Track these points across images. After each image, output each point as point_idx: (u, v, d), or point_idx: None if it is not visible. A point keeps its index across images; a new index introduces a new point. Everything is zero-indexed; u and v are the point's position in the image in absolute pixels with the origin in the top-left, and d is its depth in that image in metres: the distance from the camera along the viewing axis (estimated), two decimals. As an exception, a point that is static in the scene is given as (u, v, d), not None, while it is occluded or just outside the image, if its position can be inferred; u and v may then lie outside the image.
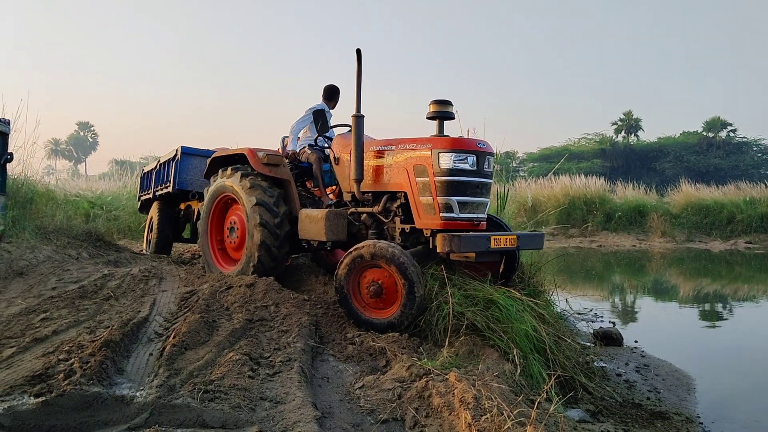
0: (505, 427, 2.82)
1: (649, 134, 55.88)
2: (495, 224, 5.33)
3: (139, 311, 4.86)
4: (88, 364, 3.69)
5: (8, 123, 6.94)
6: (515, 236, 4.85)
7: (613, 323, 7.18)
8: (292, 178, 6.12)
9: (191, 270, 6.44)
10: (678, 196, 23.02)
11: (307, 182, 6.51)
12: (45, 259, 6.47)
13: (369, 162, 5.36)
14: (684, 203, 21.93)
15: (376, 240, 4.90)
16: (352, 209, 5.60)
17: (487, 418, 3.07)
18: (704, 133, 51.35)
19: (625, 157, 50.24)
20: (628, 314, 8.60)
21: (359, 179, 5.29)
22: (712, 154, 49.00)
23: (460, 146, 4.81)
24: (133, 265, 6.66)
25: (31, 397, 3.40)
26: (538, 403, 3.42)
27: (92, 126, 76.42)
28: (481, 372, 3.74)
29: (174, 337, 4.17)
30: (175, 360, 3.90)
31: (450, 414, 3.28)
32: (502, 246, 4.71)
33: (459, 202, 4.78)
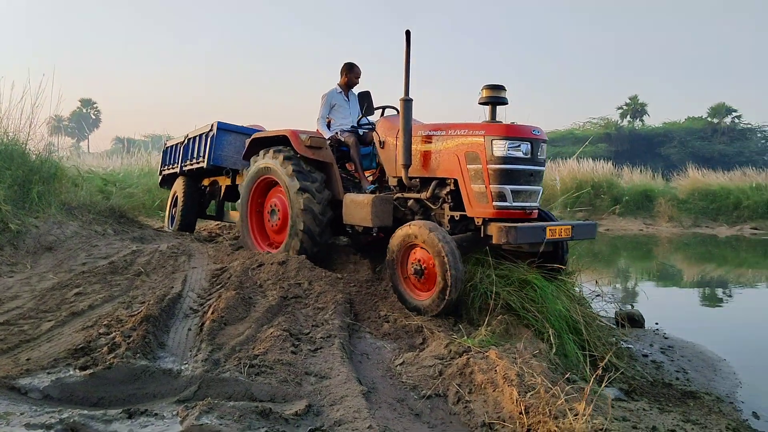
0: (558, 403, 2.87)
1: (654, 119, 55.52)
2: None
3: (172, 287, 4.91)
4: (131, 338, 3.75)
5: None
6: (570, 226, 4.76)
7: (632, 305, 7.23)
8: (334, 160, 6.02)
9: (219, 247, 6.48)
10: (685, 181, 23.01)
11: (347, 164, 6.38)
12: (72, 234, 6.51)
13: (417, 147, 5.24)
14: (691, 188, 21.90)
15: (424, 222, 4.79)
16: (398, 194, 5.50)
17: (534, 394, 3.13)
18: (709, 119, 51.22)
19: (630, 142, 50.10)
20: (642, 297, 8.65)
21: (408, 165, 5.16)
22: (717, 140, 48.86)
23: (514, 133, 4.66)
24: (158, 242, 6.70)
25: (77, 370, 3.46)
26: (574, 381, 3.49)
27: (95, 103, 75.98)
28: (520, 350, 3.79)
29: (212, 313, 4.22)
30: (216, 335, 3.96)
31: (494, 390, 3.34)
32: (557, 236, 4.64)
33: (512, 191, 4.65)
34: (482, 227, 4.74)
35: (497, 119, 4.94)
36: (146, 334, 3.84)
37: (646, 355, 5.20)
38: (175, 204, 9.24)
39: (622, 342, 5.36)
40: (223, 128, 7.96)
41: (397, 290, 4.88)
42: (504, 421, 3.06)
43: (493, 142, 4.63)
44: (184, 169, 8.80)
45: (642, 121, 54.98)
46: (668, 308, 7.82)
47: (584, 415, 2.75)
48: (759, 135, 50.42)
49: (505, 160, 4.62)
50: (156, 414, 3.04)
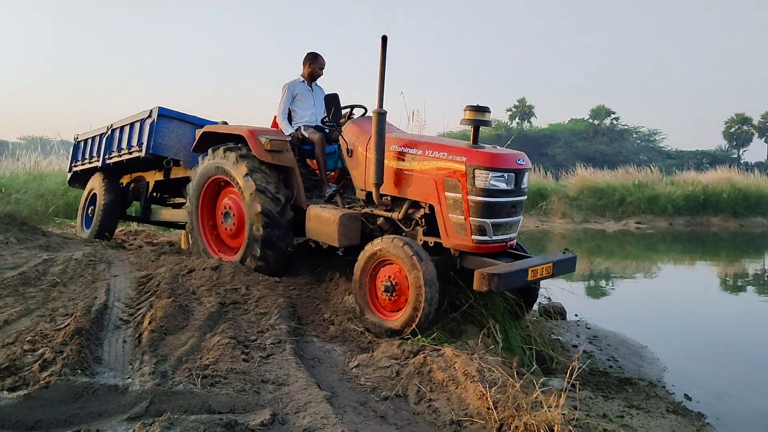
0: (534, 395, 2.92)
1: (540, 121, 58.14)
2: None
3: (96, 297, 4.59)
4: (65, 354, 3.48)
5: None
6: (551, 264, 4.41)
7: (549, 298, 7.51)
8: (296, 164, 5.52)
9: (140, 253, 6.12)
10: (574, 179, 24.23)
11: (307, 160, 5.92)
12: (-30, 244, 5.94)
13: (389, 163, 4.74)
14: (580, 186, 23.07)
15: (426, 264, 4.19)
16: (366, 210, 5.06)
17: (499, 389, 3.17)
18: (591, 121, 54.31)
19: (519, 143, 52.01)
20: (559, 290, 9.04)
21: (379, 184, 4.72)
22: (598, 140, 51.87)
23: (498, 164, 4.26)
24: (69, 249, 6.23)
25: (5, 392, 3.17)
26: (524, 375, 3.57)
27: (-40, 103, 70.02)
28: (473, 347, 3.84)
29: (150, 323, 3.99)
30: (158, 346, 3.75)
31: (456, 388, 3.36)
32: (539, 277, 4.33)
33: (493, 224, 4.29)
34: (459, 259, 4.48)
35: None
36: (81, 348, 3.58)
37: (575, 346, 5.43)
38: (92, 202, 8.35)
39: (552, 334, 5.58)
40: (165, 114, 7.16)
41: (362, 308, 4.47)
42: (473, 417, 3.08)
43: (476, 171, 4.23)
44: (108, 162, 7.93)
45: (530, 122, 57.50)
46: (581, 300, 8.20)
47: (557, 407, 2.82)
48: (635, 136, 53.99)
49: (488, 192, 4.24)
50: (109, 434, 2.83)
